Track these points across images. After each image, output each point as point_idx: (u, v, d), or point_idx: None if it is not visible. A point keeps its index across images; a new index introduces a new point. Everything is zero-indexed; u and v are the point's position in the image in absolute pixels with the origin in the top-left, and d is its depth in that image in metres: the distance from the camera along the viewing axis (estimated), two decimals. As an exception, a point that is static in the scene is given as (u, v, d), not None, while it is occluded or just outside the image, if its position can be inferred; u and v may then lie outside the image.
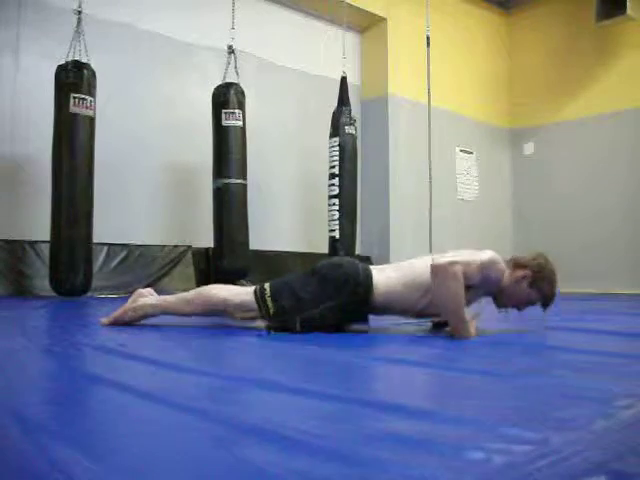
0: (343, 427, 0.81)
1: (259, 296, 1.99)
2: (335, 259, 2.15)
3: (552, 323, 2.44)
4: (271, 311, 1.96)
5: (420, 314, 2.05)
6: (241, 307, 2.02)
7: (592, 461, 0.66)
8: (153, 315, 2.13)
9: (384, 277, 2.01)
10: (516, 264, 2.01)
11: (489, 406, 0.97)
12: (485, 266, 1.91)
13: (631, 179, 6.49)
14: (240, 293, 2.05)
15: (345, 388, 1.14)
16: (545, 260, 2.01)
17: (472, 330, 1.86)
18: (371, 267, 2.06)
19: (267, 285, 2.01)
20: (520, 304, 2.03)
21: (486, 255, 1.94)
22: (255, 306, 1.99)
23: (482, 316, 2.04)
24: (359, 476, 0.62)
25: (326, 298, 1.96)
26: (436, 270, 1.85)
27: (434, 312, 2.03)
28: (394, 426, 0.81)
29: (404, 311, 2.05)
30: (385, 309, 2.04)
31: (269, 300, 1.97)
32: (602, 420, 0.83)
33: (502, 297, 2.02)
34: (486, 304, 2.10)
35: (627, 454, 0.69)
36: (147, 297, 2.13)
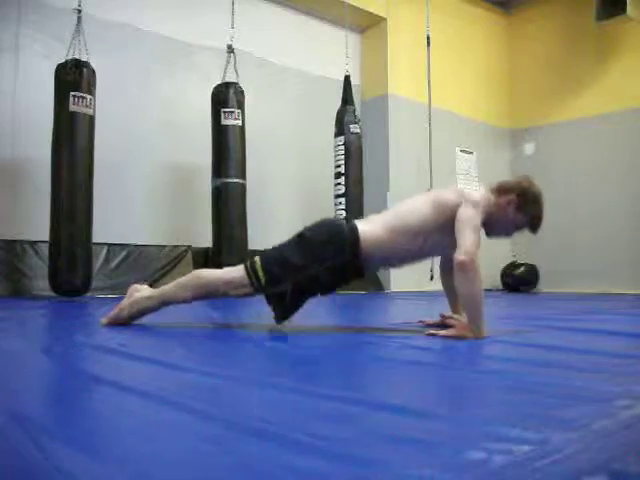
0: (343, 427, 0.81)
1: (250, 269, 1.99)
2: (319, 220, 2.11)
3: (552, 323, 2.44)
4: (262, 281, 1.96)
5: (416, 259, 2.04)
6: (234, 284, 2.01)
7: (592, 461, 0.66)
8: (151, 308, 2.08)
9: (369, 227, 2.00)
10: (500, 190, 2.00)
11: (489, 406, 0.97)
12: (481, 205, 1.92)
13: (631, 179, 6.49)
14: (232, 271, 2.05)
15: (345, 388, 1.14)
16: (529, 182, 2.01)
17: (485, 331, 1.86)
18: (355, 221, 2.05)
19: (257, 257, 2.02)
20: (509, 230, 2.03)
21: (477, 195, 1.94)
22: (247, 280, 1.98)
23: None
24: (359, 476, 0.62)
25: (315, 260, 1.95)
26: (461, 267, 1.81)
27: (430, 254, 2.05)
28: (394, 426, 0.81)
29: (397, 259, 2.03)
30: (376, 260, 2.02)
31: (260, 270, 1.97)
32: (602, 420, 0.83)
33: (490, 225, 2.00)
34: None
35: (627, 454, 0.69)
36: (142, 291, 2.10)
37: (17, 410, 0.88)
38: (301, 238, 2.00)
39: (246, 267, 2.00)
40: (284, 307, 2.03)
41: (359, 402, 0.96)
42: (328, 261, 1.95)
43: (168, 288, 2.08)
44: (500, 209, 1.97)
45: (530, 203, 1.98)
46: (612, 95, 6.64)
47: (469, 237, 1.83)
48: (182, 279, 2.08)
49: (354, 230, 1.98)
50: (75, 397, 1.02)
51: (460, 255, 1.80)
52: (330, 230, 2.00)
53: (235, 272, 2.03)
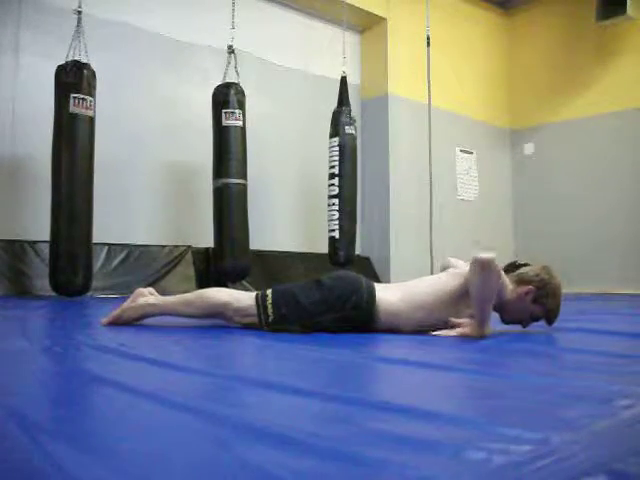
0: (343, 427, 0.81)
1: (260, 302, 1.97)
2: (341, 272, 2.12)
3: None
4: (270, 318, 1.95)
5: (422, 330, 2.02)
6: (240, 312, 2.00)
7: (592, 461, 0.66)
8: (152, 315, 2.11)
9: (387, 295, 1.99)
10: (519, 279, 1.98)
11: (489, 406, 0.97)
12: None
13: (632, 179, 6.49)
14: (240, 298, 2.03)
15: (346, 388, 1.14)
16: (549, 275, 1.98)
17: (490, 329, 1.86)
18: (375, 284, 2.04)
19: (269, 291, 1.99)
20: (524, 320, 2.01)
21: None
22: (254, 311, 1.97)
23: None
24: (359, 476, 0.62)
25: (328, 309, 1.94)
26: (483, 264, 1.78)
27: (436, 327, 2.00)
28: (394, 426, 0.81)
29: (406, 326, 2.01)
30: (387, 324, 2.00)
31: (270, 306, 1.95)
32: (602, 420, 0.83)
33: (505, 312, 2.00)
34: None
35: (627, 454, 0.69)
36: (147, 296, 2.11)
37: (17, 410, 0.88)
38: (318, 285, 1.98)
39: (257, 299, 1.98)
40: None
41: (359, 402, 0.96)
42: (340, 313, 1.95)
43: (173, 301, 2.08)
44: (518, 298, 1.95)
45: (548, 296, 1.96)
46: (612, 95, 6.63)
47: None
48: (188, 296, 2.09)
49: (372, 292, 1.98)
50: (75, 397, 1.02)
51: (483, 255, 1.78)
52: (349, 285, 1.98)
53: (243, 300, 2.01)
